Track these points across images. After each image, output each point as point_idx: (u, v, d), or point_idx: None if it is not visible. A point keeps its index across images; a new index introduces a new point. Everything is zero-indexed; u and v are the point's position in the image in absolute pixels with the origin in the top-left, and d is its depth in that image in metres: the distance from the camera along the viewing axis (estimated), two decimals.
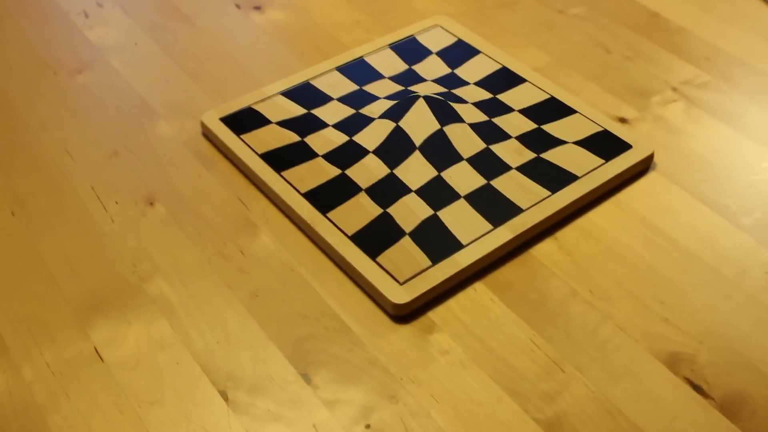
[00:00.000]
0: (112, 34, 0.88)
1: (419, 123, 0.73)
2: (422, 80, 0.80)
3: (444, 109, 0.75)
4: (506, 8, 0.92)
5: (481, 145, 0.73)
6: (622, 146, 0.73)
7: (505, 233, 0.66)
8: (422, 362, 0.59)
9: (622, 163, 0.71)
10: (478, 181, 0.70)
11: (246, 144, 0.74)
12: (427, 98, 0.75)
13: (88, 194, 0.71)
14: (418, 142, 0.72)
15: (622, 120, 0.78)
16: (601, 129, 0.74)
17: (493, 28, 0.89)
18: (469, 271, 0.64)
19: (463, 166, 0.71)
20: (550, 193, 0.69)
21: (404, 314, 0.62)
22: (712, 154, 0.75)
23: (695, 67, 0.84)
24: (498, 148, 0.73)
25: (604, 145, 0.73)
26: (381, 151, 0.72)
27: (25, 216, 0.69)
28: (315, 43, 0.87)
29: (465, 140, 0.73)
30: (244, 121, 0.76)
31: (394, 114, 0.75)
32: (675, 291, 0.64)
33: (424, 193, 0.69)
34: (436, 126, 0.73)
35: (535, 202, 0.68)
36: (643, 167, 0.73)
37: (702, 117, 0.79)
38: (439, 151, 0.71)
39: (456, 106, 0.76)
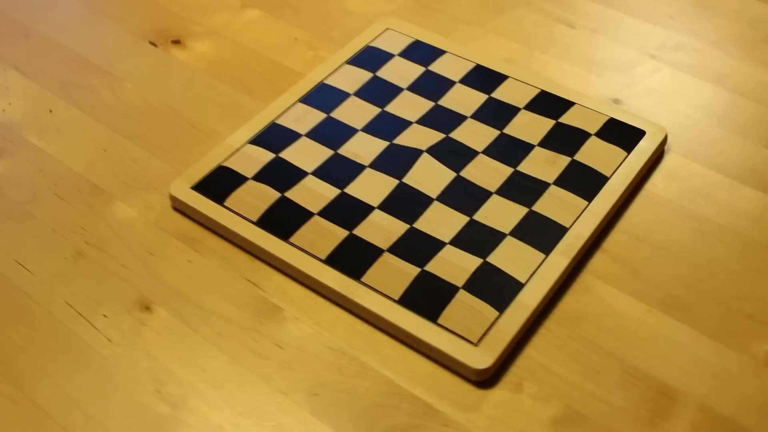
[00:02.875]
0: (18, 104, 0.75)
1: (430, 177, 0.65)
2: (397, 89, 0.72)
3: (453, 150, 0.67)
4: None
5: (508, 171, 0.66)
6: (635, 134, 0.68)
7: (560, 259, 0.60)
8: (527, 426, 0.53)
9: (643, 152, 0.67)
10: (520, 211, 0.63)
11: (234, 212, 0.64)
12: (431, 150, 0.67)
13: (66, 312, 0.59)
14: (434, 194, 0.64)
15: (616, 101, 0.74)
16: (607, 117, 0.69)
17: (443, 21, 0.82)
18: (537, 311, 0.58)
19: (496, 200, 0.63)
20: (586, 202, 0.63)
21: (488, 378, 0.55)
22: (718, 122, 0.72)
23: (663, 28, 0.80)
24: (527, 166, 0.66)
25: (618, 134, 0.68)
26: (389, 207, 0.63)
27: (2, 362, 0.57)
28: (258, 73, 0.77)
29: (488, 173, 0.65)
30: (221, 184, 0.65)
31: (394, 169, 0.66)
32: (744, 282, 0.60)
33: (463, 242, 0.61)
34: (452, 174, 0.65)
35: (576, 216, 0.62)
36: (660, 151, 0.69)
37: (691, 82, 0.75)
38: (463, 196, 0.64)
39: (459, 133, 0.68)
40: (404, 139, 0.68)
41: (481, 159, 0.67)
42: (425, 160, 0.66)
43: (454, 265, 0.60)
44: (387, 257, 0.60)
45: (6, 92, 0.76)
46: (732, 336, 0.57)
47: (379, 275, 0.59)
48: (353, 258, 0.60)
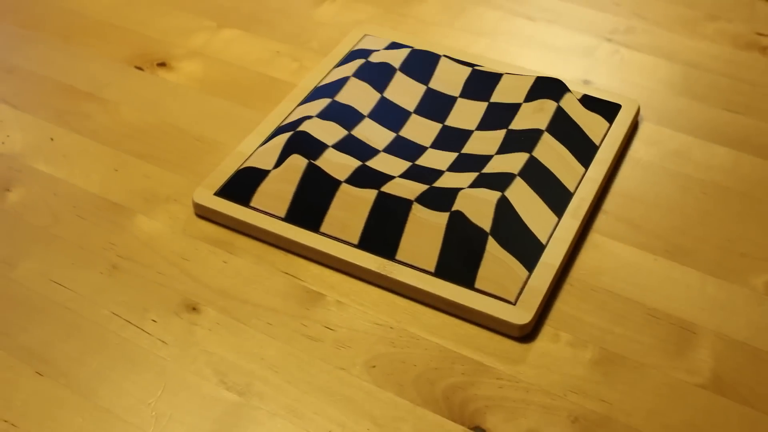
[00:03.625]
0: (16, 137, 0.76)
1: (437, 160, 0.70)
2: (391, 70, 0.76)
3: (452, 137, 0.72)
4: (412, 1, 0.90)
5: (502, 134, 0.71)
6: (612, 107, 0.75)
7: (572, 222, 0.66)
8: (571, 369, 0.58)
9: (623, 122, 0.74)
10: (521, 157, 0.67)
11: (262, 211, 0.67)
12: (434, 144, 0.71)
13: (114, 322, 0.61)
14: (444, 167, 0.69)
15: (586, 82, 0.80)
16: (582, 94, 0.76)
17: (413, 24, 0.87)
18: (560, 269, 0.63)
19: (500, 159, 0.68)
20: (584, 168, 0.69)
21: (528, 333, 0.60)
22: (679, 92, 0.79)
23: (612, 15, 0.88)
24: (517, 122, 0.71)
25: (596, 107, 0.75)
26: (409, 176, 0.68)
27: (60, 375, 0.58)
28: (249, 86, 0.80)
29: (486, 143, 0.71)
30: (244, 185, 0.68)
31: (405, 156, 0.70)
32: (731, 225, 0.67)
33: (481, 182, 0.65)
34: (454, 154, 0.70)
35: (577, 181, 0.68)
36: (636, 121, 0.76)
37: (647, 60, 0.83)
38: (470, 163, 0.69)
39: (453, 118, 0.73)
40: (407, 132, 0.72)
41: (477, 135, 0.72)
42: (430, 153, 0.71)
43: (478, 199, 0.63)
44: (416, 210, 0.63)
45: (0, 126, 0.77)
46: (731, 273, 0.64)
47: (412, 243, 0.63)
48: (385, 228, 0.64)
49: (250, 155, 0.71)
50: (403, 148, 0.71)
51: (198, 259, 0.65)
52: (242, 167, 0.70)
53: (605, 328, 0.61)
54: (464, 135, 0.72)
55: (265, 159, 0.69)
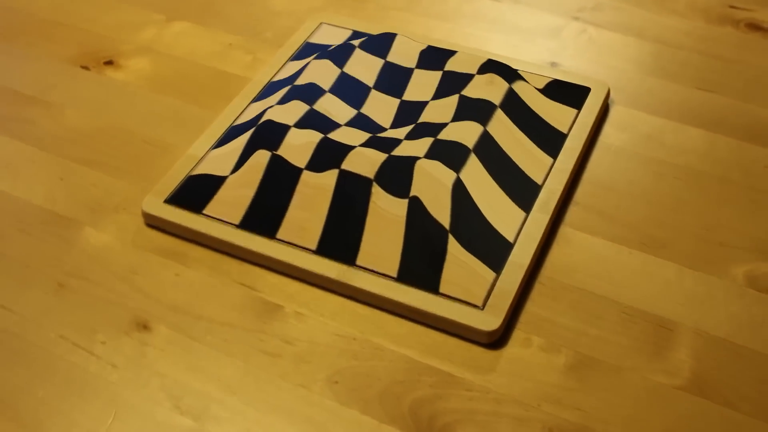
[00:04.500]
0: None
1: (395, 135, 0.67)
2: (351, 47, 0.74)
3: (408, 110, 0.69)
4: None
5: (455, 100, 0.68)
6: (581, 91, 0.71)
7: (541, 217, 0.62)
8: (545, 376, 0.55)
9: (592, 108, 0.70)
10: (475, 129, 0.65)
11: (214, 218, 0.63)
12: (394, 125, 0.68)
13: (62, 346, 0.58)
14: (401, 136, 0.66)
15: (554, 64, 0.77)
16: (551, 79, 0.72)
17: (373, 10, 0.83)
18: (530, 268, 0.60)
19: (454, 126, 0.65)
20: (552, 159, 0.66)
21: (498, 338, 0.57)
22: (649, 71, 0.76)
23: None
24: (469, 90, 0.69)
25: (564, 93, 0.71)
26: (370, 144, 0.64)
27: (6, 407, 0.55)
28: (201, 82, 0.76)
29: (441, 111, 0.68)
30: (195, 193, 0.65)
31: (367, 129, 0.67)
32: (708, 213, 0.64)
33: (436, 151, 0.62)
34: (410, 126, 0.67)
35: (545, 173, 0.65)
36: (606, 104, 0.72)
37: (616, 38, 0.79)
38: (426, 130, 0.66)
39: (410, 91, 0.71)
40: (368, 109, 0.69)
41: (432, 104, 0.69)
42: (389, 132, 0.68)
43: (433, 178, 0.61)
44: (376, 198, 0.61)
45: None
46: (710, 264, 0.61)
47: (372, 245, 0.60)
48: (344, 229, 0.61)
49: (202, 158, 0.67)
50: (364, 126, 0.68)
51: (149, 273, 0.62)
52: (195, 173, 0.66)
53: (579, 330, 0.58)
54: (420, 107, 0.70)
55: (220, 165, 0.66)
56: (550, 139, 0.67)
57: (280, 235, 0.62)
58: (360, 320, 0.59)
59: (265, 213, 0.63)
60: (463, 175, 0.62)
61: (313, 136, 0.64)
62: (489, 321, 0.56)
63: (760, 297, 0.59)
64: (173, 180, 0.66)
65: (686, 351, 0.56)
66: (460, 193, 0.61)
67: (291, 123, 0.66)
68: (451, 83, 0.70)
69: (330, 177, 0.62)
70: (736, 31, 0.80)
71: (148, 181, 0.68)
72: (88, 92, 0.76)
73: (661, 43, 0.79)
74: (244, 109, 0.71)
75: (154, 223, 0.64)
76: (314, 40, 0.78)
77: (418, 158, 0.62)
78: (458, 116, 0.66)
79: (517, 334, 0.58)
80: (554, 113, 0.69)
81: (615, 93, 0.74)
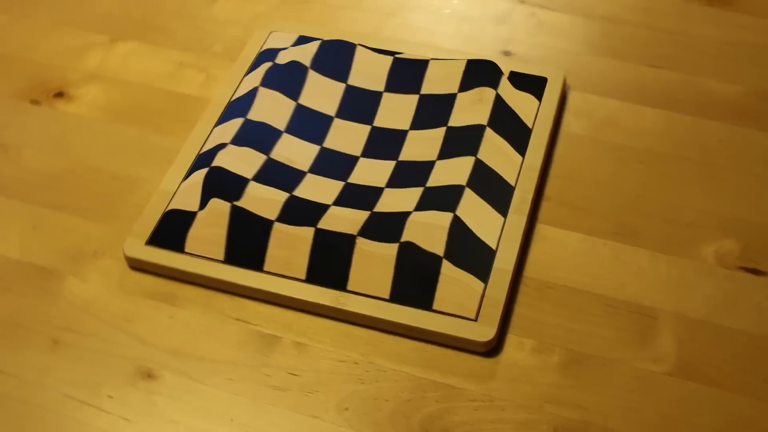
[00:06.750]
0: None
1: (373, 173, 0.66)
2: (303, 69, 0.72)
3: (384, 139, 0.68)
4: None
5: (441, 132, 0.68)
6: (539, 82, 0.73)
7: (518, 219, 0.64)
8: (542, 377, 0.58)
9: (552, 98, 0.72)
10: (467, 162, 0.65)
11: (199, 256, 0.64)
12: (365, 153, 0.68)
13: (68, 405, 0.58)
14: (382, 183, 0.65)
15: (507, 53, 0.78)
16: (509, 72, 0.74)
17: (320, 12, 0.83)
18: (514, 272, 0.62)
19: (444, 165, 0.65)
20: (521, 157, 0.68)
21: (493, 347, 0.60)
22: (600, 51, 0.78)
23: None
24: (456, 117, 0.68)
25: (523, 84, 0.72)
26: (344, 202, 0.64)
27: None
28: (158, 107, 0.76)
29: (425, 145, 0.68)
30: (172, 231, 0.65)
31: (335, 174, 0.66)
32: (674, 194, 0.67)
33: (428, 201, 0.63)
34: (392, 163, 0.67)
35: (517, 173, 0.67)
36: (563, 93, 0.74)
37: (564, 19, 0.81)
38: (411, 173, 0.66)
39: (382, 117, 0.70)
40: (333, 142, 0.69)
41: (412, 135, 0.69)
42: (363, 163, 0.68)
43: (430, 225, 0.61)
44: (361, 244, 0.61)
45: None
46: (681, 247, 0.64)
47: (362, 275, 0.61)
48: (331, 261, 0.62)
49: (175, 193, 0.67)
50: (331, 164, 0.67)
51: (142, 319, 0.62)
52: (167, 210, 0.66)
53: (567, 327, 0.61)
54: (398, 137, 0.69)
55: (188, 199, 0.65)
56: (520, 137, 0.69)
57: (267, 267, 0.63)
58: (359, 343, 0.60)
59: (245, 250, 0.63)
60: (459, 212, 0.62)
61: (278, 195, 0.63)
62: (484, 332, 0.59)
63: (729, 274, 0.63)
64: (150, 219, 0.66)
65: (669, 336, 0.60)
66: (457, 227, 0.62)
67: (249, 176, 0.64)
68: (432, 110, 0.69)
69: (307, 231, 0.62)
70: (679, 0, 0.82)
71: (123, 220, 0.68)
72: (43, 129, 0.75)
73: (608, 21, 0.80)
74: (209, 135, 0.71)
75: (138, 266, 0.65)
76: (266, 47, 0.77)
77: (408, 213, 0.62)
78: (446, 151, 0.66)
79: (511, 339, 0.60)
80: (523, 106, 0.71)
81: (569, 78, 0.76)
